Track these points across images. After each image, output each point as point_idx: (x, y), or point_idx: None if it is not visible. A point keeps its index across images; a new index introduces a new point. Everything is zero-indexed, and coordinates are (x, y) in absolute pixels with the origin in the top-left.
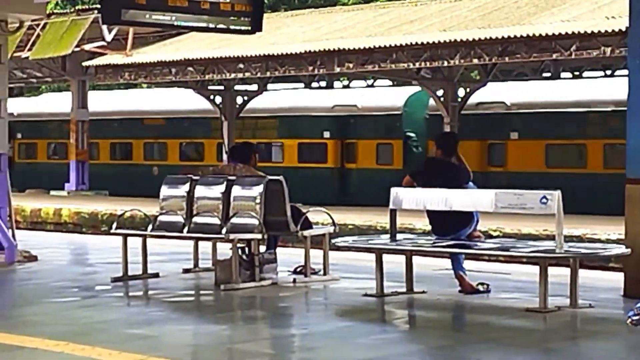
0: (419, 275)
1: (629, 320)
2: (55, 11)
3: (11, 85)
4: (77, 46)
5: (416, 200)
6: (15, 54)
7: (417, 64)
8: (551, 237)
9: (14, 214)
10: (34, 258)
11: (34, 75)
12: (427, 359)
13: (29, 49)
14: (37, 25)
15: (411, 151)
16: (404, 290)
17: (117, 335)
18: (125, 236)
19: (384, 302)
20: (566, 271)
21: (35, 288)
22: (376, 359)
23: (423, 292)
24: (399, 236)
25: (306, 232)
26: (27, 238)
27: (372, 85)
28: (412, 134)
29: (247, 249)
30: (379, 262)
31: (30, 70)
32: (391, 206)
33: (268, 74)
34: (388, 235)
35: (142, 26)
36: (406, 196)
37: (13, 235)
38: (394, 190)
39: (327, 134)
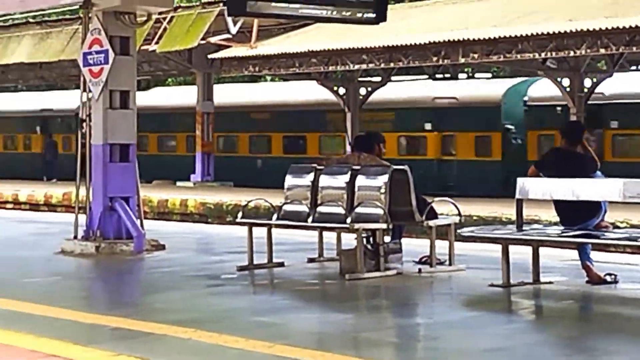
0: (546, 266)
1: None
2: (182, 4)
3: (139, 78)
4: (202, 39)
5: (543, 190)
6: (143, 47)
7: (542, 54)
8: None
9: (142, 204)
10: (161, 247)
11: (161, 68)
12: (554, 349)
13: (156, 42)
14: (164, 18)
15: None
16: (531, 280)
17: (243, 322)
18: (250, 226)
19: (510, 293)
20: None
21: (163, 276)
22: (502, 349)
23: (550, 282)
24: (525, 227)
25: (431, 222)
26: (155, 227)
27: (495, 77)
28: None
29: (371, 239)
30: (505, 253)
31: (157, 63)
32: (517, 196)
33: (392, 64)
34: (514, 226)
35: (267, 17)
36: (532, 186)
37: (141, 225)
38: (520, 181)
39: None
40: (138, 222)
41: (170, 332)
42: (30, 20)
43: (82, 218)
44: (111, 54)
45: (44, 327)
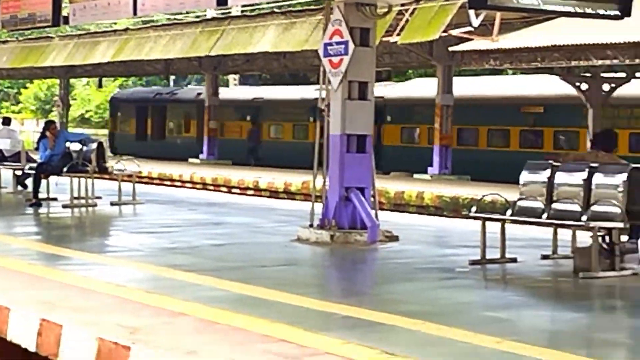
0: None
1: None
2: None
3: (379, 69)
4: (444, 31)
5: None
6: (384, 39)
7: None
8: None
9: (377, 195)
10: (395, 238)
11: (402, 59)
12: None
13: (398, 34)
14: (406, 10)
15: None
16: None
17: (473, 317)
18: (484, 220)
19: None
20: None
21: (396, 267)
22: None
23: None
24: None
25: None
26: (390, 219)
27: None
28: None
29: (607, 238)
30: None
31: (398, 55)
32: None
33: (637, 61)
34: None
35: (509, 11)
36: None
37: (376, 215)
38: None
39: None
40: (373, 212)
41: (400, 323)
42: (276, 10)
43: (319, 207)
44: (351, 45)
45: (277, 312)
